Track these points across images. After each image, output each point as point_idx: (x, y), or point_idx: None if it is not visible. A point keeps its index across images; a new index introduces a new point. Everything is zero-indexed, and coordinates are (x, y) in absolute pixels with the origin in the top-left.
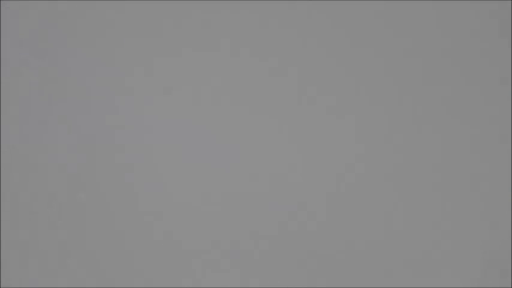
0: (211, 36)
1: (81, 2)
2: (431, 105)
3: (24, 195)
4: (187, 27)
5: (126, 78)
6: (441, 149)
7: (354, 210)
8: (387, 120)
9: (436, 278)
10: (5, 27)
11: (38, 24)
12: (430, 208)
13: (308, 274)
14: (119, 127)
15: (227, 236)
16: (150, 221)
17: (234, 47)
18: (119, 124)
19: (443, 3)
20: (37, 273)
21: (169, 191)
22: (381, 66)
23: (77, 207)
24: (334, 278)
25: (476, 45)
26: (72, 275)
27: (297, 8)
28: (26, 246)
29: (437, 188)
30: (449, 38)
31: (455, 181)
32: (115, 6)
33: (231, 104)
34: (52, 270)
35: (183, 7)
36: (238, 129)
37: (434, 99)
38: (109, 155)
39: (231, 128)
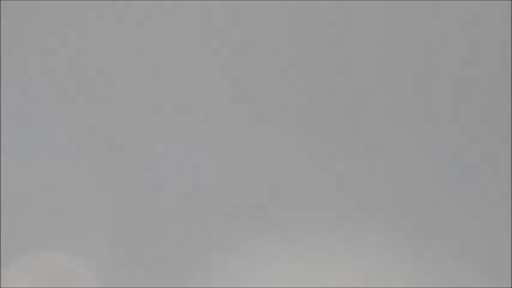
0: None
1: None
2: (429, 105)
3: (24, 195)
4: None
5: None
6: (440, 149)
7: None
8: (386, 124)
9: (436, 278)
10: (5, 28)
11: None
12: (429, 207)
13: None
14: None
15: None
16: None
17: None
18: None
19: (440, 3)
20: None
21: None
22: (378, 70)
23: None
24: None
25: (475, 45)
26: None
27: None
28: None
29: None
30: (448, 39)
31: (453, 181)
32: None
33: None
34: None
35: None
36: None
37: (432, 99)
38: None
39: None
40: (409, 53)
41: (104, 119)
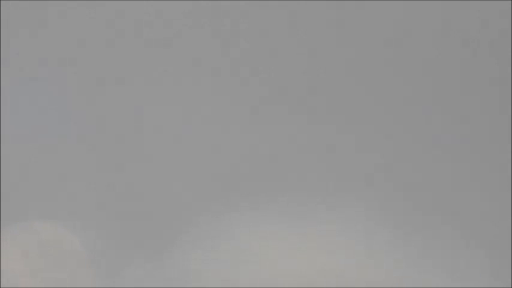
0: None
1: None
2: (428, 106)
3: (24, 191)
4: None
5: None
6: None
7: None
8: (387, 125)
9: (436, 277)
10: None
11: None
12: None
13: None
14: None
15: None
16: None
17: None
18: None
19: (438, 3)
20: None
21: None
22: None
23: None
24: None
25: (475, 45)
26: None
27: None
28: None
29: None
30: (447, 39)
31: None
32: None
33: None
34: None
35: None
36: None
37: (431, 99)
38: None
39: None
40: (408, 50)
41: (99, 95)
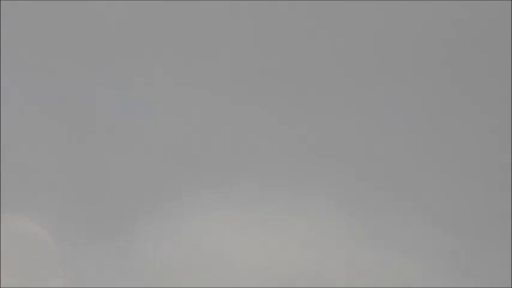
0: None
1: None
2: (428, 106)
3: (23, 191)
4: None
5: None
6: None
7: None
8: (386, 121)
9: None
10: (5, 27)
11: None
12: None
13: None
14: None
15: None
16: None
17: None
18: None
19: (438, 3)
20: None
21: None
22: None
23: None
24: None
25: (475, 45)
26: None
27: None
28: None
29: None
30: (447, 39)
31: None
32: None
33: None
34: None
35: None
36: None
37: (431, 99)
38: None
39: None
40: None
41: (70, 77)
